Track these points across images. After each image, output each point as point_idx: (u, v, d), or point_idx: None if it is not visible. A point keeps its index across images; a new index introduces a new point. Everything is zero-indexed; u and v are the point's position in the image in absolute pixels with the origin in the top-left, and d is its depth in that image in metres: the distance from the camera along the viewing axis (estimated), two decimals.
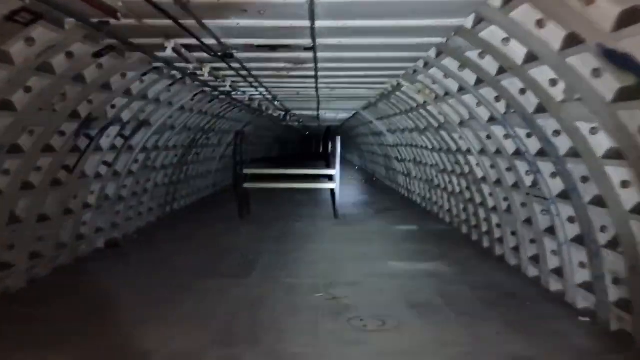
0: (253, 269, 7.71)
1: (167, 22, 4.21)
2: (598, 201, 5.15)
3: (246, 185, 12.40)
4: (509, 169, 7.31)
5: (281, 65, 6.92)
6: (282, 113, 15.01)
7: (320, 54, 6.06)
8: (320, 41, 5.41)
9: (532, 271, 7.25)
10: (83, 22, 4.04)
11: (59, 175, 7.20)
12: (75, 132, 6.89)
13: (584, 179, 5.30)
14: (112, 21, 4.25)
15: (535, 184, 6.58)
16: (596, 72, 3.90)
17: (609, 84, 3.89)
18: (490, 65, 5.58)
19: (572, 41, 3.87)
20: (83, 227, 8.40)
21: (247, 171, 12.55)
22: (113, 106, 7.46)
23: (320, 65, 6.84)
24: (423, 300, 6.38)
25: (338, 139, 12.73)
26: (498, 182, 7.85)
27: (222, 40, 5.13)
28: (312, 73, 7.57)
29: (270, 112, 14.21)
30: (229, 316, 5.80)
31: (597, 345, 5.12)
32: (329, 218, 12.28)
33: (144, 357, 4.75)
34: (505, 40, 4.75)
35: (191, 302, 6.26)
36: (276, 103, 12.25)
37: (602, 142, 4.57)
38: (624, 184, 4.55)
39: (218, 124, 13.73)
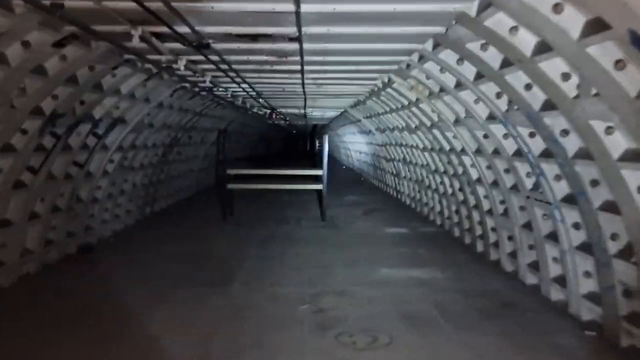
0: (235, 276, 7.20)
1: (131, 4, 3.68)
2: (609, 207, 4.73)
3: (229, 185, 11.88)
4: (507, 171, 6.88)
5: (264, 58, 6.40)
6: (268, 111, 14.49)
7: (306, 46, 5.55)
8: (306, 30, 4.90)
9: (530, 279, 6.84)
10: (31, 3, 3.50)
11: (23, 176, 6.63)
12: (39, 130, 6.32)
13: (594, 183, 4.86)
14: (67, 3, 3.72)
15: (537, 186, 6.15)
16: (620, 64, 3.45)
17: (634, 77, 3.45)
18: (493, 57, 5.10)
19: (596, 28, 3.41)
20: (52, 232, 7.83)
21: (230, 171, 12.02)
22: (82, 102, 6.89)
23: (306, 58, 6.34)
24: (416, 311, 5.93)
25: (326, 138, 12.25)
26: (495, 183, 7.42)
27: (197, 28, 4.60)
28: (298, 67, 7.07)
29: (255, 109, 13.68)
30: (208, 330, 5.29)
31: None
32: (316, 220, 11.80)
33: None
34: (514, 29, 4.28)
35: (167, 314, 5.74)
36: (261, 100, 11.72)
37: (618, 143, 4.14)
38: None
39: (200, 121, 13.18)
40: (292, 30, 4.85)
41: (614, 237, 4.83)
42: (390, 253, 8.80)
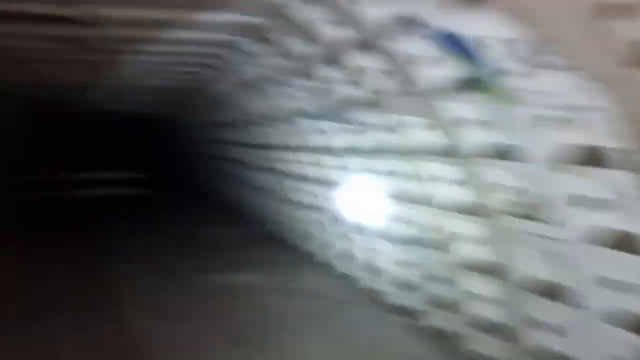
0: None
1: None
2: (418, 198, 4.91)
3: (19, 195, 10.09)
4: (315, 164, 6.92)
5: (55, 45, 5.43)
6: (74, 105, 12.91)
7: (100, 32, 4.81)
8: (96, 11, 4.20)
9: (343, 268, 6.93)
10: None
11: None
12: None
13: (397, 175, 5.02)
14: None
15: (343, 180, 6.26)
16: (426, 60, 3.49)
17: (438, 74, 3.51)
18: (306, 51, 4.94)
19: (407, 21, 3.37)
20: None
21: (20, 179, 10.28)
22: None
23: (105, 46, 5.55)
24: (243, 322, 5.52)
25: (151, 138, 11.26)
26: (304, 178, 7.45)
27: None
28: (98, 57, 6.21)
29: (56, 105, 12.08)
30: None
31: (420, 348, 4.84)
32: (137, 224, 10.73)
33: None
34: (326, 21, 4.14)
35: None
36: (57, 94, 10.30)
37: (423, 138, 4.27)
38: (446, 180, 4.32)
39: None
40: (78, 11, 4.10)
41: (421, 227, 5.01)
42: (213, 256, 8.38)
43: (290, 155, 7.61)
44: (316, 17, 4.24)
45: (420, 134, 4.31)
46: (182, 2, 4.27)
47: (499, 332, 4.12)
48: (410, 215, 5.09)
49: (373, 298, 6.07)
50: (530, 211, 3.41)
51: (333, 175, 6.47)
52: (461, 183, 4.06)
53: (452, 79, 3.42)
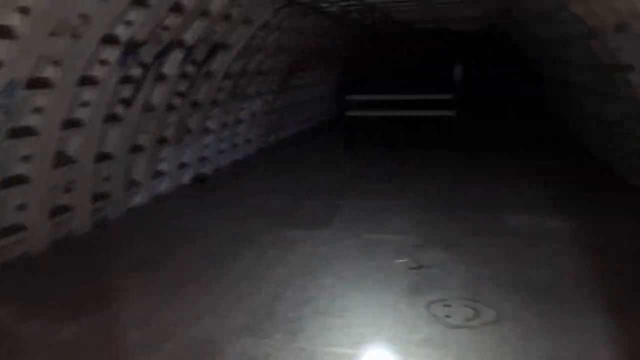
0: (333, 218, 6.44)
1: None
2: None
3: (349, 112, 10.96)
4: None
5: None
6: (398, 27, 12.97)
7: None
8: None
9: None
10: None
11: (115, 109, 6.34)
12: (119, 61, 5.89)
13: None
14: None
15: None
16: None
17: None
18: None
19: None
20: (161, 164, 7.74)
21: (350, 97, 11.04)
22: (165, 28, 6.30)
23: None
24: (544, 280, 4.54)
25: (462, 55, 10.54)
26: None
27: None
28: None
29: (381, 26, 12.31)
30: (280, 286, 4.59)
31: None
32: (444, 149, 10.32)
33: (159, 341, 3.75)
34: None
35: (245, 262, 5.20)
36: (390, 14, 10.26)
37: None
38: None
39: (321, 44, 12.19)
40: None
41: None
42: (532, 193, 7.34)
43: None
44: None
45: None
46: None
47: None
48: None
49: None
50: None
51: None
52: None
53: None
